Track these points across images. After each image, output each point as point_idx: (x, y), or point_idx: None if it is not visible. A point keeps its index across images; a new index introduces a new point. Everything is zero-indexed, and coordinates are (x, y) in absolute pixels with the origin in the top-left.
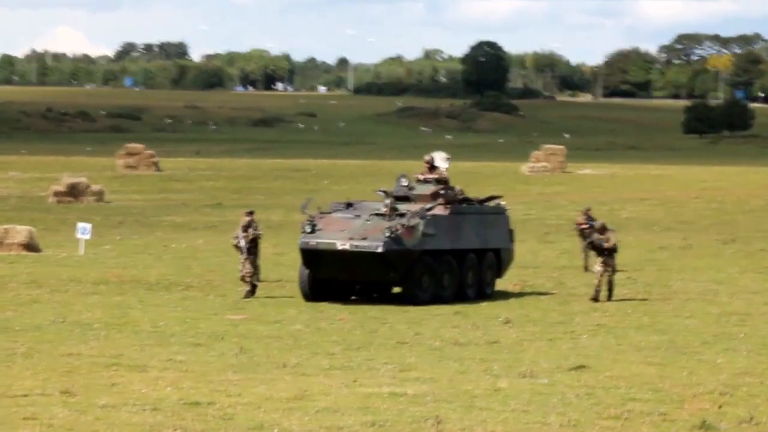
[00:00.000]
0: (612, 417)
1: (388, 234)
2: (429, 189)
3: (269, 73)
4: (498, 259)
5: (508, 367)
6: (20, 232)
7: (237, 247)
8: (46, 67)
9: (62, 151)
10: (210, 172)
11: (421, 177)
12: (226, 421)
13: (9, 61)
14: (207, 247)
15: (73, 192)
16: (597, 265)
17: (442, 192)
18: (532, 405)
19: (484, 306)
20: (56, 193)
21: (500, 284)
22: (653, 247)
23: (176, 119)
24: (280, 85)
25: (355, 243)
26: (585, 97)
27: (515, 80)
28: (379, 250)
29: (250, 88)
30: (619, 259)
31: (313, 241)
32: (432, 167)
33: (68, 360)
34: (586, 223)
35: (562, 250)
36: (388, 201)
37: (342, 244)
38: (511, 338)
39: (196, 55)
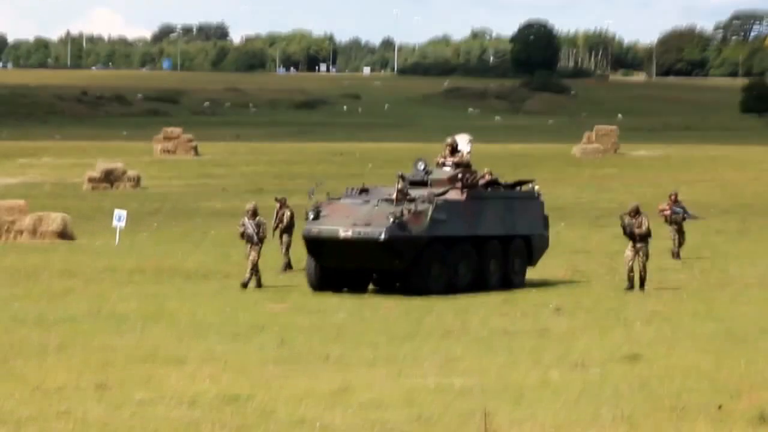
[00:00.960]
0: (667, 409)
1: (392, 220)
2: (447, 173)
3: (312, 54)
4: (529, 247)
5: (559, 357)
6: (54, 219)
7: (244, 235)
8: (81, 50)
9: (98, 135)
10: (250, 157)
11: (441, 160)
12: (267, 415)
13: (44, 44)
14: None
15: (109, 178)
16: (627, 250)
17: (460, 176)
18: (584, 397)
19: (534, 293)
20: (91, 179)
21: (551, 271)
22: (710, 230)
23: (215, 102)
24: (323, 67)
25: (358, 230)
26: (639, 77)
27: (566, 59)
28: (382, 237)
29: (293, 70)
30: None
31: (316, 228)
32: (453, 150)
33: (103, 353)
34: (669, 209)
35: (615, 235)
36: (399, 186)
37: (344, 232)
38: (562, 327)
39: (236, 36)
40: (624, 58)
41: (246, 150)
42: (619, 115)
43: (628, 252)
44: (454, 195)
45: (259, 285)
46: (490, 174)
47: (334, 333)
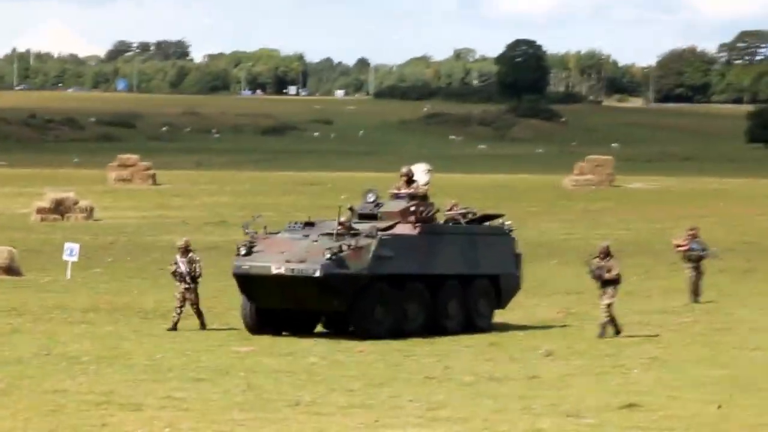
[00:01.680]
0: None
1: (328, 256)
2: (399, 206)
3: (280, 75)
4: (496, 287)
5: (550, 405)
6: None
7: (175, 274)
8: (28, 69)
9: (47, 162)
10: (212, 186)
11: (395, 192)
12: None
13: None
14: (209, 271)
15: (59, 209)
16: (600, 299)
17: (413, 209)
18: None
19: (522, 336)
20: (40, 210)
21: (541, 312)
22: (713, 270)
23: (174, 127)
24: (292, 89)
25: (292, 266)
26: (635, 102)
27: (557, 83)
28: (317, 274)
29: (259, 92)
30: (678, 283)
31: (246, 264)
32: (410, 181)
33: (53, 397)
34: (685, 245)
35: None
36: (342, 219)
37: (277, 268)
38: (553, 373)
39: (197, 55)
40: (619, 81)
41: (208, 179)
42: (615, 144)
43: (605, 300)
44: (405, 229)
45: (174, 328)
46: (457, 206)
47: (304, 377)
